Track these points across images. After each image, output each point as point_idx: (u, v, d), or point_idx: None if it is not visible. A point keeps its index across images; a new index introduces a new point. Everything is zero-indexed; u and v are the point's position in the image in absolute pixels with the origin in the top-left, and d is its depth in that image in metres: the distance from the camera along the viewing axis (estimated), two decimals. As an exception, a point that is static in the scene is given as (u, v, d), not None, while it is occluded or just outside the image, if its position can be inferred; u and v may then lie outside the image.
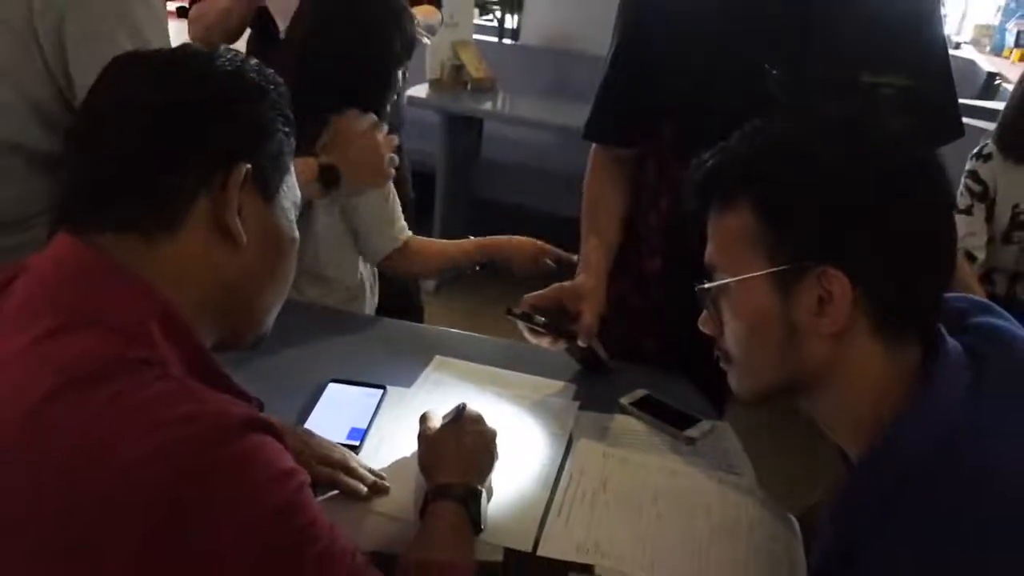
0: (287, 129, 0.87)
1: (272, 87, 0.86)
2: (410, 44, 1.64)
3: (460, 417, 1.13)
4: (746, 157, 0.88)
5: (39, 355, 0.70)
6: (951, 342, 0.84)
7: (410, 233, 1.70)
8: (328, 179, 1.53)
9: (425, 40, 2.25)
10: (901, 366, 0.83)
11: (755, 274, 0.85)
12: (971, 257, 2.32)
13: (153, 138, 0.78)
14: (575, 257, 1.57)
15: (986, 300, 0.94)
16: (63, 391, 0.67)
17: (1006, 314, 0.91)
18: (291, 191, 0.90)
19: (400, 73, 1.65)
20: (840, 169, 0.82)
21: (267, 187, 0.85)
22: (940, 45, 1.39)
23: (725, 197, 0.89)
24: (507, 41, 4.73)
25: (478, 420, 1.14)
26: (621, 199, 1.56)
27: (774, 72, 1.30)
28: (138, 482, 0.64)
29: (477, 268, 1.78)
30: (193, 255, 0.79)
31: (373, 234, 1.65)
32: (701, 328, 0.95)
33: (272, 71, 0.88)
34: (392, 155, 1.62)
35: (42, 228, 1.48)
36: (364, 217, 1.63)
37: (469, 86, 3.71)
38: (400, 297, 2.39)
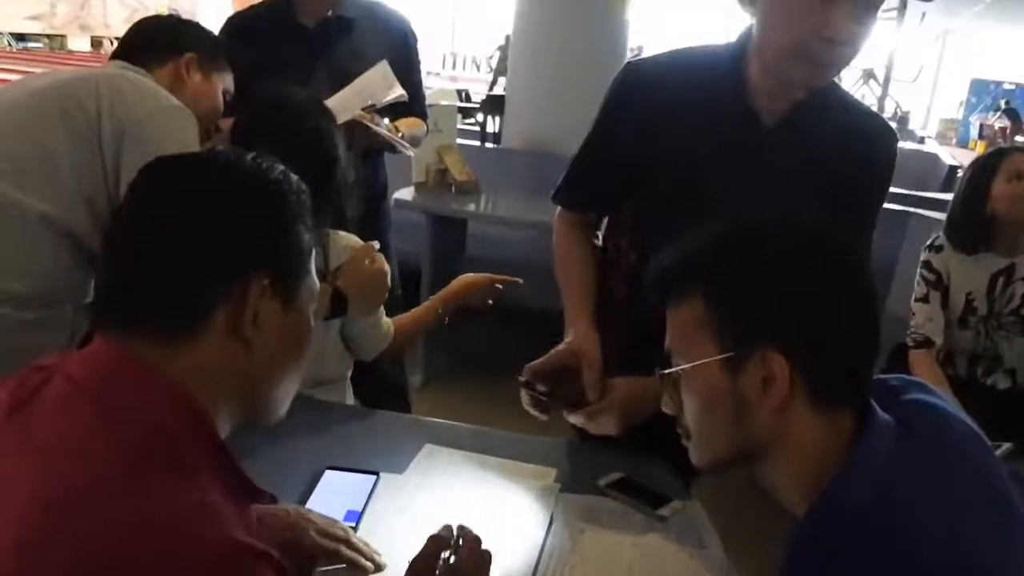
0: (308, 233, 0.92)
1: (295, 194, 0.90)
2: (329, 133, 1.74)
3: (458, 552, 1.04)
4: (696, 255, 1.00)
5: (73, 453, 0.75)
6: (881, 414, 0.94)
7: (390, 322, 1.82)
8: (337, 306, 1.65)
9: (409, 152, 2.40)
10: (837, 434, 0.93)
11: (707, 360, 0.95)
12: (930, 342, 2.45)
13: (174, 249, 0.83)
14: (519, 280, 1.82)
15: (919, 379, 1.04)
16: (91, 497, 0.72)
17: (938, 392, 1.02)
18: (310, 288, 0.93)
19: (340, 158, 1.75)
20: (776, 262, 0.94)
21: (286, 292, 0.89)
22: (877, 209, 1.56)
23: (679, 291, 0.99)
24: (489, 145, 4.93)
25: (475, 553, 1.05)
26: (590, 253, 1.68)
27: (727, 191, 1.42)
28: None
29: (446, 321, 1.91)
30: (214, 358, 0.84)
31: (366, 337, 1.78)
32: (664, 409, 1.05)
33: (296, 178, 0.92)
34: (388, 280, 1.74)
35: (62, 308, 1.64)
36: (357, 325, 1.76)
37: (453, 188, 3.87)
38: (390, 394, 2.50)
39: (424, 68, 2.74)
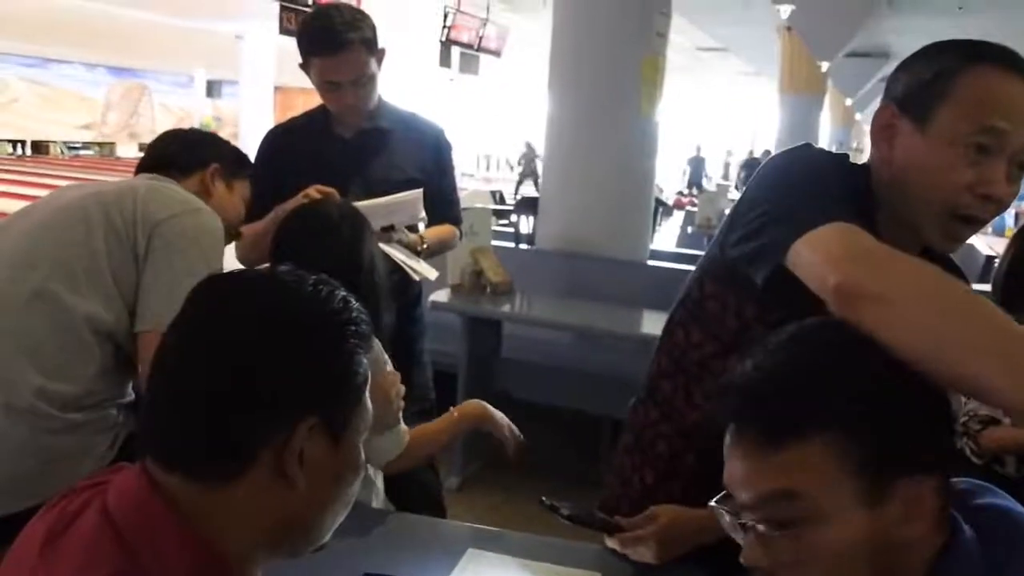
0: (365, 362, 0.87)
1: (355, 324, 0.86)
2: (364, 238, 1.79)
3: None
4: (816, 383, 0.86)
5: None
6: (966, 529, 0.87)
7: (407, 432, 1.75)
8: None
9: (417, 278, 2.35)
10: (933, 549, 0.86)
11: (839, 503, 0.83)
12: (995, 420, 2.38)
13: (223, 387, 0.79)
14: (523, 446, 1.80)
15: (984, 483, 0.97)
16: None
17: (1004, 493, 0.95)
18: (363, 418, 0.88)
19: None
20: (887, 376, 0.86)
21: (336, 430, 0.84)
22: None
23: (797, 428, 0.85)
24: (523, 246, 4.98)
25: None
26: None
27: None
28: None
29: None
30: (255, 500, 0.81)
31: (377, 440, 1.72)
32: (747, 563, 0.89)
33: (355, 301, 0.88)
34: (400, 401, 1.71)
35: (106, 410, 1.67)
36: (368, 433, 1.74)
37: (488, 289, 3.90)
38: (423, 497, 2.47)
39: (459, 170, 2.81)
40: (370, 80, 2.33)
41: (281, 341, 0.82)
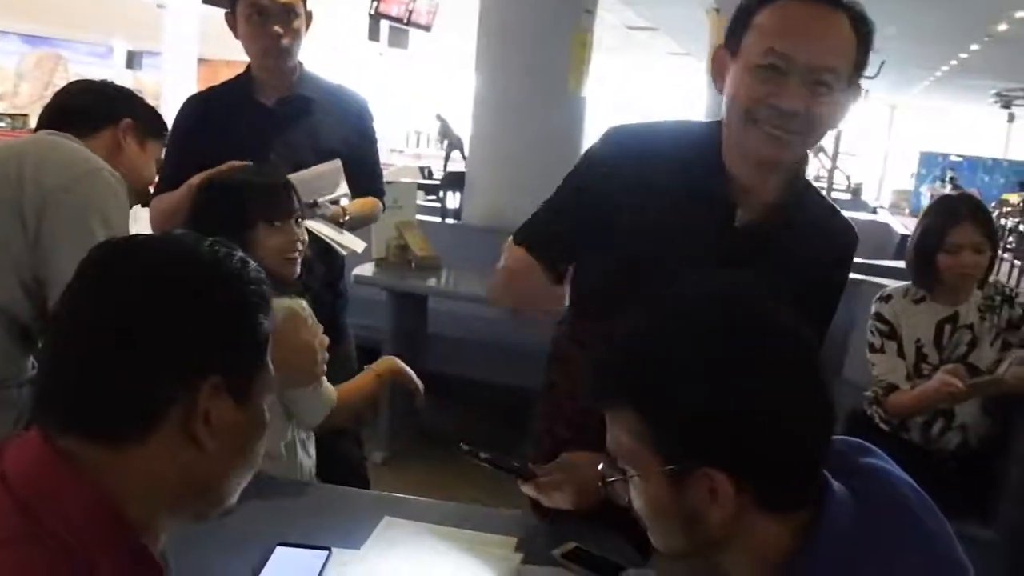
0: (265, 323, 0.87)
1: (254, 284, 0.86)
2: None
3: None
4: (623, 361, 0.95)
5: None
6: (837, 486, 0.92)
7: (333, 390, 1.79)
8: None
9: (343, 252, 2.36)
10: (796, 524, 0.91)
11: (648, 472, 0.92)
12: (895, 387, 2.48)
13: (121, 349, 0.79)
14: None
15: (862, 442, 1.03)
16: None
17: (883, 454, 1.02)
18: (265, 380, 0.89)
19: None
20: (711, 367, 0.89)
21: (240, 391, 0.84)
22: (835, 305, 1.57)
23: (611, 400, 0.95)
24: (450, 221, 4.97)
25: None
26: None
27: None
28: None
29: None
30: (160, 461, 0.80)
31: (304, 403, 1.75)
32: (617, 502, 1.01)
33: (254, 264, 0.88)
34: (324, 353, 1.74)
35: (6, 389, 1.62)
36: (294, 392, 1.74)
37: (414, 264, 3.89)
38: (347, 472, 2.47)
39: (388, 146, 2.79)
40: (298, 19, 2.30)
41: (171, 300, 0.81)
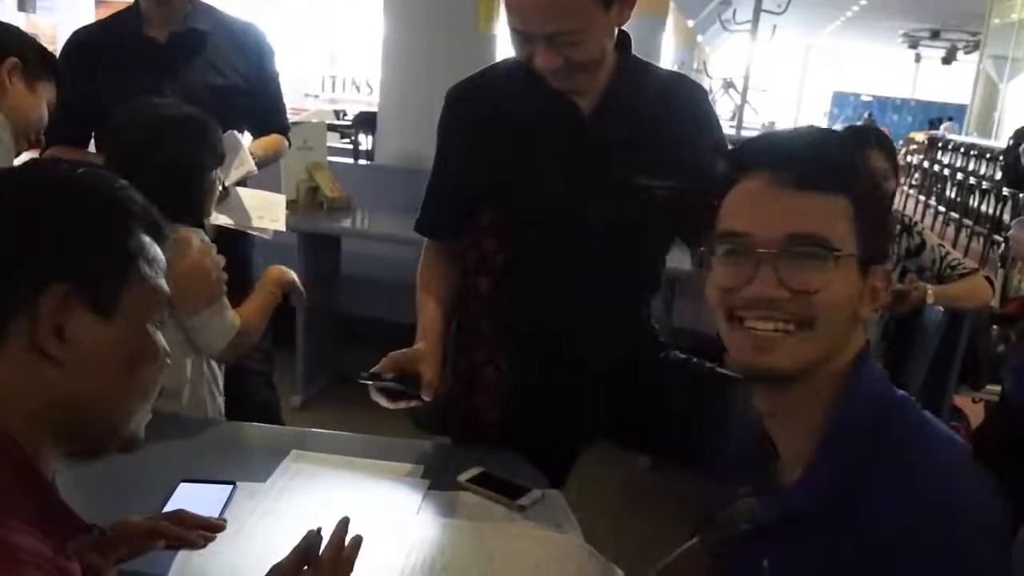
0: (138, 238, 0.85)
1: (117, 202, 0.85)
2: (218, 154, 1.79)
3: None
4: (844, 159, 1.02)
5: None
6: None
7: (235, 313, 1.77)
8: None
9: (266, 235, 2.29)
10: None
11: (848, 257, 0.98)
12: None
13: None
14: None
15: None
16: None
17: None
18: (142, 298, 0.85)
19: (214, 176, 1.78)
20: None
21: (102, 305, 0.82)
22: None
23: (828, 183, 0.98)
24: (363, 162, 4.90)
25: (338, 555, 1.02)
26: (454, 275, 1.73)
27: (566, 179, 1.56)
28: None
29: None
30: (15, 377, 0.78)
31: (207, 329, 1.72)
32: (769, 292, 0.97)
33: (117, 178, 0.87)
34: (222, 274, 1.72)
35: None
36: (196, 319, 1.71)
37: (325, 206, 3.83)
38: (262, 417, 2.45)
39: (303, 91, 2.73)
40: None
41: (6, 209, 0.81)
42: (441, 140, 1.70)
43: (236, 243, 2.38)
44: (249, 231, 2.19)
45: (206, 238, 1.72)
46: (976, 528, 0.90)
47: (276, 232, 2.24)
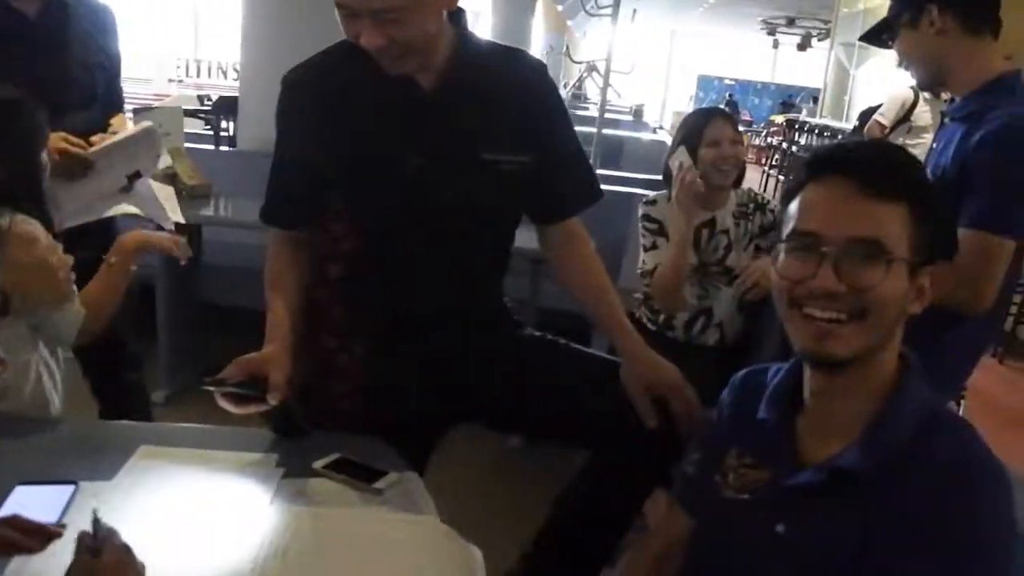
0: None
1: None
2: (41, 130, 1.73)
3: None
4: (905, 171, 1.15)
5: None
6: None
7: (77, 301, 1.72)
8: None
9: (180, 219, 2.28)
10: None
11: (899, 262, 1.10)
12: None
13: None
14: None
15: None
16: None
17: None
18: None
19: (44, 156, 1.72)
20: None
21: None
22: (568, 136, 1.73)
23: (887, 190, 1.10)
24: (224, 148, 4.77)
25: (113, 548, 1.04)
26: (300, 272, 1.70)
27: (412, 158, 1.56)
28: None
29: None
30: None
31: (52, 323, 1.68)
32: (829, 286, 1.10)
33: None
34: (69, 272, 1.66)
35: None
36: (37, 314, 1.65)
37: (184, 193, 3.69)
38: (123, 406, 2.37)
39: (165, 76, 2.66)
40: None
41: None
42: (281, 127, 1.67)
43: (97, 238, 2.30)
44: (164, 220, 2.21)
45: (42, 231, 1.64)
46: (1010, 501, 1.06)
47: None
